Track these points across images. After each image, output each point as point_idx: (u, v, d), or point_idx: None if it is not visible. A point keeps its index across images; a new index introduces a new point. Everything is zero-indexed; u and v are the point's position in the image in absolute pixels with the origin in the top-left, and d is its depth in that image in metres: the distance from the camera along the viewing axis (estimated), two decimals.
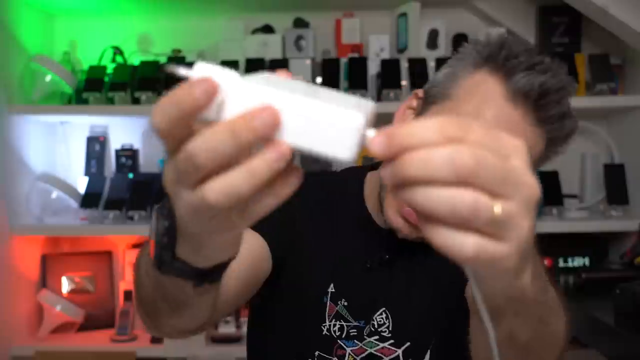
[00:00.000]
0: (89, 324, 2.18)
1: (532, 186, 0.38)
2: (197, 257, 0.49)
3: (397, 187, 0.37)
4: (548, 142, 0.79)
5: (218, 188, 0.37)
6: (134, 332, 2.13)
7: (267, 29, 2.26)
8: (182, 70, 0.40)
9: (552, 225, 1.99)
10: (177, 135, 0.38)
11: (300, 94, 0.37)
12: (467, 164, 0.35)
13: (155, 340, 2.06)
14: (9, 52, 2.08)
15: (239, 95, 0.38)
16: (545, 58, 0.77)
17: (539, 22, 2.21)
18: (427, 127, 0.36)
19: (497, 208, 0.36)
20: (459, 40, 2.21)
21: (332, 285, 0.88)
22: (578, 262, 2.06)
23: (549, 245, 2.09)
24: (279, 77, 0.40)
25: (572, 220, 2.01)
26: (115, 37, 2.30)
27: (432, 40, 2.20)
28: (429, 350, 0.88)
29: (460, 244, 0.36)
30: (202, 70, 0.39)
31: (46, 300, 2.11)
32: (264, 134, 0.36)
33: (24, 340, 2.08)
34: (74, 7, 2.27)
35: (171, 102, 0.37)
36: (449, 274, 0.72)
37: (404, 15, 2.19)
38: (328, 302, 0.87)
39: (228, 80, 0.38)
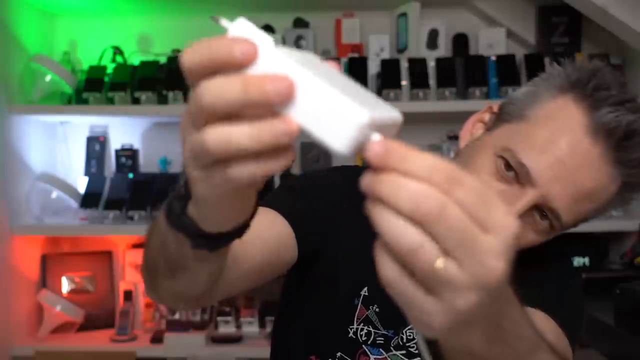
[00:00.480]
0: (89, 324, 2.18)
1: (493, 268, 0.36)
2: (202, 218, 0.48)
3: (367, 196, 0.37)
4: (622, 185, 0.73)
5: (218, 134, 0.37)
6: (134, 332, 2.13)
7: (267, 29, 2.26)
8: (224, 22, 0.42)
9: None
10: (200, 78, 0.38)
11: (323, 79, 0.37)
12: (430, 211, 0.34)
13: (155, 340, 2.06)
14: (9, 52, 2.08)
15: (265, 60, 0.38)
16: (637, 97, 0.72)
17: (538, 22, 2.21)
18: (422, 160, 0.36)
19: (440, 262, 0.35)
20: (459, 40, 2.22)
21: (365, 288, 0.84)
22: (578, 262, 2.06)
23: (548, 245, 2.09)
24: (315, 59, 0.40)
25: None
26: (115, 37, 2.30)
27: (432, 40, 2.20)
28: None
29: (393, 277, 0.37)
30: (241, 27, 0.40)
31: (46, 300, 2.11)
32: (273, 99, 0.36)
33: (24, 340, 2.08)
34: (74, 7, 2.27)
35: (209, 49, 0.37)
36: None
37: (404, 15, 2.19)
38: (359, 305, 0.84)
39: (261, 44, 0.38)
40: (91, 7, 2.28)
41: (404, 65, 2.07)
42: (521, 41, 2.26)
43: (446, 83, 2.03)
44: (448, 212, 0.35)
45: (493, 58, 2.07)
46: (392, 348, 0.83)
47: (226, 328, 2.07)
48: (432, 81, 2.06)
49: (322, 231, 0.83)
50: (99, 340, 2.10)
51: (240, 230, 0.51)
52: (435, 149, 2.23)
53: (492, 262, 0.36)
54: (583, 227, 2.07)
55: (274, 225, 0.77)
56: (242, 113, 0.37)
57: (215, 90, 0.37)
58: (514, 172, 0.72)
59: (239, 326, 2.09)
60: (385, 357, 0.83)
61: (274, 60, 0.38)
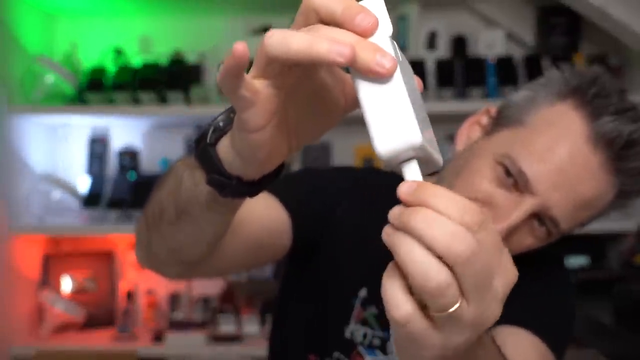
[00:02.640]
0: (90, 324, 2.18)
1: (495, 312, 0.38)
2: (229, 157, 0.49)
3: (394, 228, 0.38)
4: (619, 193, 0.74)
5: (278, 34, 0.40)
6: (135, 331, 2.13)
7: (268, 30, 2.26)
8: None
9: None
10: (318, 16, 0.40)
11: (406, 86, 0.39)
12: (463, 252, 0.35)
13: (156, 339, 2.07)
14: (9, 52, 2.09)
15: (377, 39, 0.40)
16: (636, 106, 0.72)
17: (538, 23, 2.21)
18: (455, 200, 0.36)
19: (457, 305, 0.36)
20: (458, 41, 2.22)
21: (365, 289, 0.83)
22: (577, 262, 2.07)
23: (547, 245, 2.10)
24: (408, 68, 0.42)
25: None
26: (116, 38, 2.31)
27: (431, 41, 2.21)
28: None
29: (401, 301, 0.38)
30: (375, 4, 0.41)
31: (47, 300, 2.11)
32: (359, 28, 0.38)
33: (24, 340, 2.09)
34: (75, 7, 2.28)
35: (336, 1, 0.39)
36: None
37: (403, 15, 2.20)
38: (357, 306, 0.83)
39: (381, 26, 0.40)
40: (92, 8, 2.28)
41: None
42: (520, 42, 2.27)
43: (445, 84, 2.04)
44: (477, 256, 0.35)
45: (492, 59, 2.08)
46: (389, 351, 0.83)
47: (227, 327, 2.08)
48: (431, 82, 2.07)
49: (321, 225, 0.83)
50: (100, 339, 2.10)
51: (259, 184, 0.51)
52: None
53: (495, 307, 0.38)
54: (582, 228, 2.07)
55: (269, 209, 0.77)
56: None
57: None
58: (513, 178, 0.72)
59: (239, 325, 2.10)
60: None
61: (383, 43, 0.40)
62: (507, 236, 0.71)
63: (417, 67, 2.06)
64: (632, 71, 2.12)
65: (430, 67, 2.08)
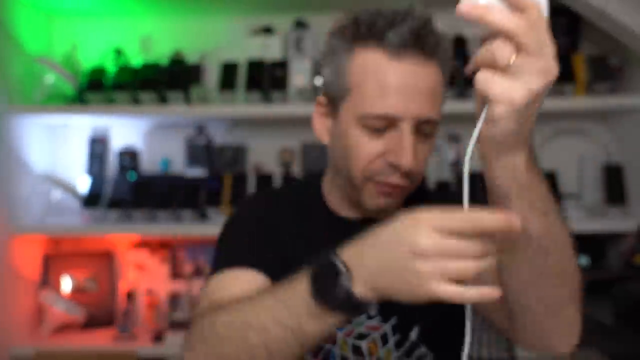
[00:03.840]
0: (90, 324, 2.19)
1: (552, 65, 0.59)
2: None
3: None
4: (442, 68, 0.88)
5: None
6: (135, 331, 2.13)
7: (268, 30, 2.27)
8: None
9: None
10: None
11: None
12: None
13: (156, 339, 2.07)
14: (9, 53, 2.09)
15: None
16: (395, 9, 0.86)
17: None
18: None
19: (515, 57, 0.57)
20: (459, 41, 2.22)
21: None
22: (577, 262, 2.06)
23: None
24: None
25: (571, 221, 2.01)
26: (117, 38, 2.31)
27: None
28: (416, 326, 0.91)
29: (494, 83, 0.59)
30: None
31: (47, 300, 2.11)
32: None
33: (24, 340, 2.09)
34: (75, 7, 2.28)
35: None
36: None
37: None
38: None
39: None
40: (92, 8, 2.29)
41: None
42: None
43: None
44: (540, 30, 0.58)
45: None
46: (354, 318, 0.91)
47: None
48: None
49: (282, 261, 0.90)
50: (100, 339, 2.10)
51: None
52: (434, 149, 2.24)
53: (551, 61, 0.58)
54: (582, 228, 2.08)
55: (251, 280, 0.86)
56: None
57: None
58: (381, 125, 0.84)
59: None
60: (351, 327, 0.91)
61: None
62: (414, 158, 0.84)
63: None
64: (632, 71, 2.12)
65: None
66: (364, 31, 0.85)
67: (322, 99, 0.92)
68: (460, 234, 0.58)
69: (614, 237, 2.11)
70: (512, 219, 0.57)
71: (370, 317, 0.91)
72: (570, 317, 0.76)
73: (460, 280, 0.58)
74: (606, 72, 2.05)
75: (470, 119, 2.33)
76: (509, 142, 0.63)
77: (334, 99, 0.89)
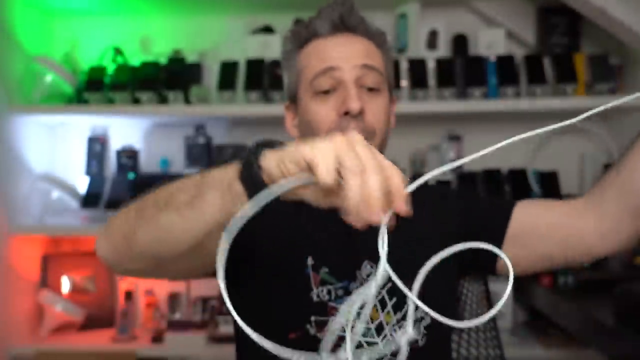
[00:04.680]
0: (90, 324, 2.18)
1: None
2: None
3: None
4: (374, 40, 1.00)
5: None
6: (135, 331, 2.13)
7: (267, 29, 2.26)
8: None
9: None
10: None
11: None
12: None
13: (156, 340, 2.06)
14: (9, 52, 2.08)
15: None
16: (325, 5, 1.00)
17: (538, 23, 2.21)
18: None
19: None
20: (459, 40, 2.22)
21: (310, 257, 0.95)
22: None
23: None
24: None
25: None
26: (116, 37, 2.31)
27: (432, 40, 2.20)
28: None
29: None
30: None
31: (46, 300, 2.11)
32: None
33: (24, 340, 2.09)
34: (74, 6, 2.28)
35: None
36: (422, 225, 0.97)
37: (403, 15, 2.20)
38: (311, 273, 0.95)
39: None
40: (91, 7, 2.28)
41: (404, 65, 2.07)
42: (521, 41, 2.26)
43: (446, 83, 2.03)
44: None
45: (492, 58, 2.07)
46: (352, 291, 0.93)
47: (226, 328, 2.08)
48: (431, 81, 2.06)
49: (246, 236, 0.93)
50: (100, 340, 2.10)
51: None
52: (434, 149, 2.24)
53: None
54: None
55: None
56: None
57: None
58: (328, 86, 0.95)
59: None
60: None
61: None
62: (359, 101, 0.92)
63: (418, 67, 2.06)
64: (632, 70, 2.12)
65: (431, 66, 2.08)
66: (302, 34, 1.00)
67: (286, 103, 1.05)
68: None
69: None
70: (401, 209, 0.57)
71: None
72: None
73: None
74: (607, 72, 2.04)
75: (470, 119, 2.34)
76: None
77: (294, 95, 1.01)
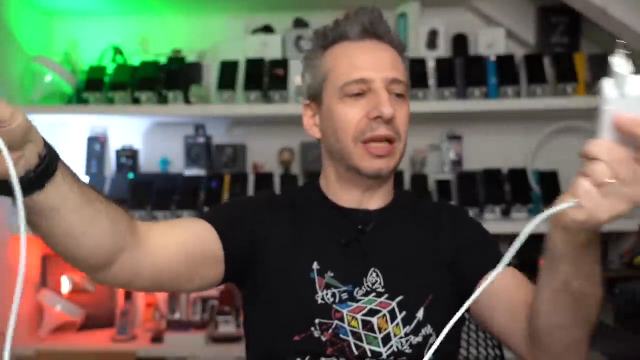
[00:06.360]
0: (89, 324, 2.18)
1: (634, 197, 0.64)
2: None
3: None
4: (397, 50, 1.02)
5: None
6: (134, 332, 2.13)
7: (267, 29, 2.26)
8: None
9: None
10: None
11: None
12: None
13: (156, 340, 2.06)
14: (9, 52, 2.08)
15: None
16: (348, 11, 1.03)
17: (538, 22, 2.21)
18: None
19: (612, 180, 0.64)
20: (459, 40, 2.22)
21: (315, 263, 0.98)
22: None
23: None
24: None
25: None
26: (116, 37, 2.30)
27: (432, 40, 2.20)
28: (423, 307, 0.97)
29: (588, 187, 0.64)
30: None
31: (46, 300, 2.11)
32: None
33: (24, 340, 2.09)
34: (74, 7, 2.28)
35: None
36: (425, 237, 1.01)
37: (404, 15, 2.20)
38: (316, 277, 0.98)
39: None
40: (91, 7, 2.28)
41: None
42: (521, 41, 2.26)
43: (446, 83, 2.03)
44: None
45: (493, 58, 2.07)
46: (360, 297, 0.97)
47: (226, 328, 2.08)
48: (431, 81, 2.06)
49: (251, 240, 1.00)
50: (100, 340, 2.10)
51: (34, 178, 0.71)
52: (434, 148, 2.24)
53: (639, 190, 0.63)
54: None
55: (201, 224, 0.95)
56: None
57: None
58: (358, 91, 0.97)
59: (239, 326, 2.09)
60: (359, 306, 0.97)
61: None
62: (392, 107, 0.95)
63: (418, 66, 2.06)
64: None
65: (431, 66, 2.07)
66: (329, 36, 1.02)
67: (306, 100, 1.05)
68: None
69: (615, 237, 2.10)
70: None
71: (379, 295, 0.97)
72: (579, 354, 0.92)
73: None
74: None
75: (470, 119, 2.34)
76: (574, 231, 0.70)
77: (316, 95, 1.02)
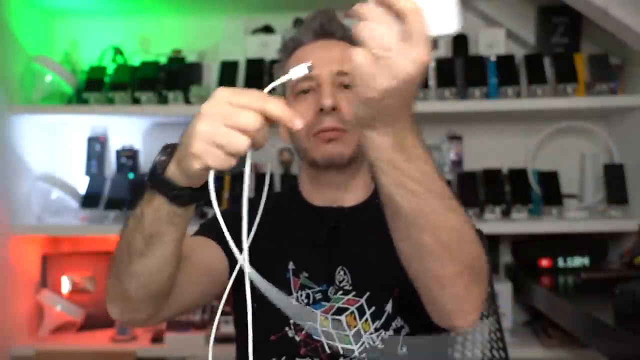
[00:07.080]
0: (89, 324, 2.18)
1: (416, 59, 0.68)
2: (180, 176, 0.73)
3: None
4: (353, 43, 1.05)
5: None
6: (134, 332, 2.13)
7: (267, 29, 2.26)
8: None
9: (551, 225, 1.99)
10: None
11: None
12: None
13: (156, 340, 2.06)
14: (9, 52, 2.08)
15: None
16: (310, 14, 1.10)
17: (538, 22, 2.21)
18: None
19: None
20: (459, 40, 2.22)
21: (291, 262, 1.02)
22: (578, 262, 2.06)
23: (548, 245, 2.09)
24: None
25: (572, 221, 2.01)
26: (116, 37, 2.31)
27: (432, 40, 2.20)
28: (391, 299, 0.99)
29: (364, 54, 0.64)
30: None
31: (46, 300, 2.11)
32: None
33: (24, 340, 2.09)
34: (74, 7, 2.28)
35: None
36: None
37: None
38: (291, 277, 1.02)
39: None
40: (91, 7, 2.28)
41: None
42: (521, 41, 2.26)
43: (446, 83, 2.03)
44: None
45: (493, 58, 2.07)
46: (331, 296, 1.00)
47: (226, 328, 2.07)
48: (431, 81, 2.06)
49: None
50: (99, 340, 2.10)
51: (202, 189, 0.75)
52: (435, 149, 2.24)
53: (425, 50, 0.66)
54: (583, 228, 2.07)
55: (205, 243, 1.02)
56: None
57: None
58: (307, 87, 1.02)
59: None
60: (329, 305, 0.99)
61: None
62: (333, 97, 0.99)
63: None
64: (632, 70, 2.12)
65: (431, 66, 2.07)
66: (289, 45, 1.09)
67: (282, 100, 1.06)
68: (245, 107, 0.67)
69: (615, 237, 2.10)
70: (293, 118, 0.69)
71: (346, 293, 0.99)
72: (459, 293, 0.77)
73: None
74: (607, 72, 2.04)
75: (470, 119, 2.34)
76: (365, 123, 0.67)
77: (295, 90, 1.05)
